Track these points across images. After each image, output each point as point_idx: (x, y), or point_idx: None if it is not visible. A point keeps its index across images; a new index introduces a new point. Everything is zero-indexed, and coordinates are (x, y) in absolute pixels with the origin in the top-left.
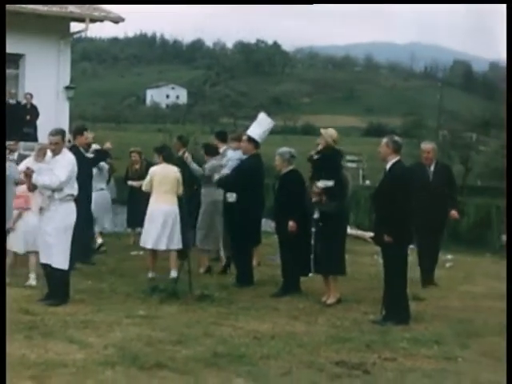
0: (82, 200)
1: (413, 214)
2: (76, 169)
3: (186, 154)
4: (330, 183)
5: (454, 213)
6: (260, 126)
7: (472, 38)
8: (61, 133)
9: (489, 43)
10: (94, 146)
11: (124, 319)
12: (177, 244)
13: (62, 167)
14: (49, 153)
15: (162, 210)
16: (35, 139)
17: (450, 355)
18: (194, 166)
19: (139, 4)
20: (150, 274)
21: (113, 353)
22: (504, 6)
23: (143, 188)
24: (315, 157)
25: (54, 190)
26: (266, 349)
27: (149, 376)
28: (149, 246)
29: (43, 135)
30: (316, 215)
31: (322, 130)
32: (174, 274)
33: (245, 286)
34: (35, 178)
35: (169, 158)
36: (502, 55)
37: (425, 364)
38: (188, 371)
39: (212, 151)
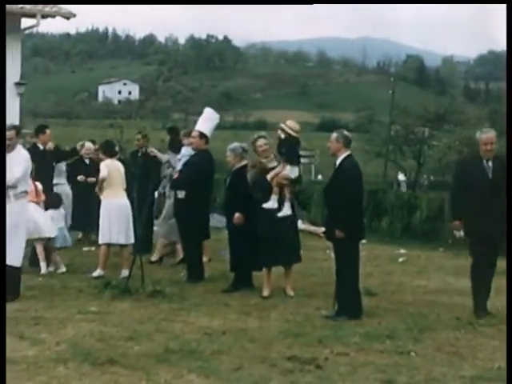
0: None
1: (363, 208)
2: (30, 165)
3: (154, 150)
4: (296, 173)
5: None
6: (209, 121)
7: (424, 32)
8: (14, 128)
9: (441, 38)
10: (50, 145)
11: (76, 315)
12: (131, 238)
13: (17, 164)
14: None
15: (119, 204)
16: None
17: (403, 350)
18: (164, 156)
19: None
20: (97, 273)
21: (65, 349)
22: (504, 6)
23: (102, 176)
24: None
25: (8, 188)
26: (217, 344)
27: (101, 372)
28: (113, 240)
29: None
30: (287, 206)
31: (282, 124)
32: (125, 273)
33: (196, 281)
34: None
35: (112, 153)
36: (454, 50)
37: (377, 359)
38: (140, 367)
39: (176, 147)
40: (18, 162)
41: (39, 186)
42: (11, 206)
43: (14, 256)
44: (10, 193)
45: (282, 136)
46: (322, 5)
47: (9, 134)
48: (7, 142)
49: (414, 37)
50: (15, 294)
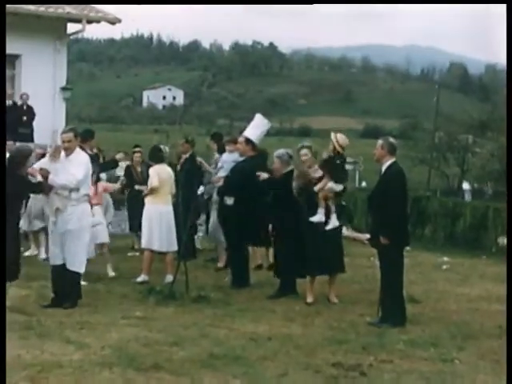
0: None
1: (407, 215)
2: (91, 168)
3: (200, 159)
4: (341, 187)
5: None
6: (257, 128)
7: (468, 40)
8: (73, 130)
9: (485, 45)
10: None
11: (120, 320)
12: (173, 246)
13: (77, 166)
14: (63, 153)
15: (162, 210)
16: (31, 140)
17: (447, 357)
18: (208, 168)
19: (139, 4)
20: (141, 278)
21: (110, 354)
22: (504, 6)
23: (154, 186)
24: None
25: (71, 190)
26: (262, 350)
27: (145, 377)
28: (154, 247)
29: (39, 136)
30: (334, 218)
31: (333, 135)
32: (169, 278)
33: (240, 287)
34: (51, 179)
35: (161, 159)
36: (498, 57)
37: (421, 366)
38: (184, 372)
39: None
40: (78, 164)
41: (101, 187)
42: (74, 210)
43: (78, 261)
44: (73, 196)
45: (327, 153)
46: (367, 12)
47: (67, 136)
48: (66, 145)
49: (458, 44)
50: (77, 299)
